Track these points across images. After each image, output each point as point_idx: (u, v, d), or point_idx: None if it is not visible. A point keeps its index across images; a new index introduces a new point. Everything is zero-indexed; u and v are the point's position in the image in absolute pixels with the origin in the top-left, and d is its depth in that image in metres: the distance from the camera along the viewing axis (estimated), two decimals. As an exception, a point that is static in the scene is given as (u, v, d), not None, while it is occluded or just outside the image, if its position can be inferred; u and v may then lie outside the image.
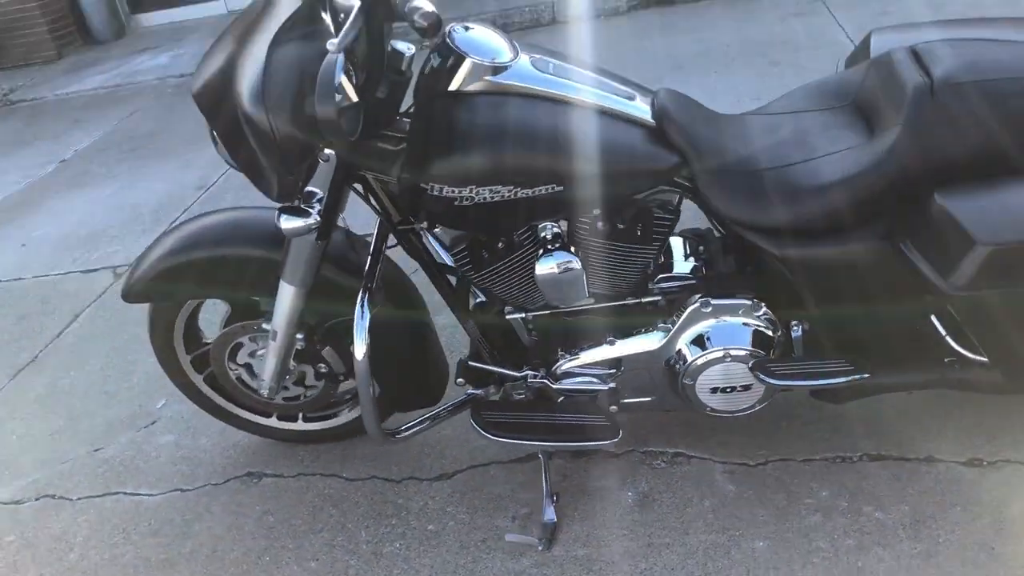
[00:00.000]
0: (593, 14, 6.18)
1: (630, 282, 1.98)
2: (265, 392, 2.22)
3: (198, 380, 2.39)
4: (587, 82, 1.84)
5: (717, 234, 2.01)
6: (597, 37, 5.79)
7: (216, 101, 1.69)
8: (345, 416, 2.43)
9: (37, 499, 2.48)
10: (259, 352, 2.25)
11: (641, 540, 2.00)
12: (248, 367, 2.30)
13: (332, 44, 1.46)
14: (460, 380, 2.12)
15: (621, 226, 1.89)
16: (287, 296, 2.02)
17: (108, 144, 5.72)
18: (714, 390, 1.96)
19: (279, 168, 1.63)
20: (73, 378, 3.05)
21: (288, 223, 1.81)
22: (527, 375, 2.07)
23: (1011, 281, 1.59)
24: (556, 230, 1.92)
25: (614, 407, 2.04)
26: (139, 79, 7.15)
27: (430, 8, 1.53)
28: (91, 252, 4.06)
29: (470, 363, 2.09)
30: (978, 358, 1.86)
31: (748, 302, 1.92)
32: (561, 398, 2.10)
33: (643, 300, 2.02)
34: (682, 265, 2.06)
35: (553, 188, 1.76)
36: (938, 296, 1.72)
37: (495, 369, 2.08)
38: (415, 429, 2.15)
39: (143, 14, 8.86)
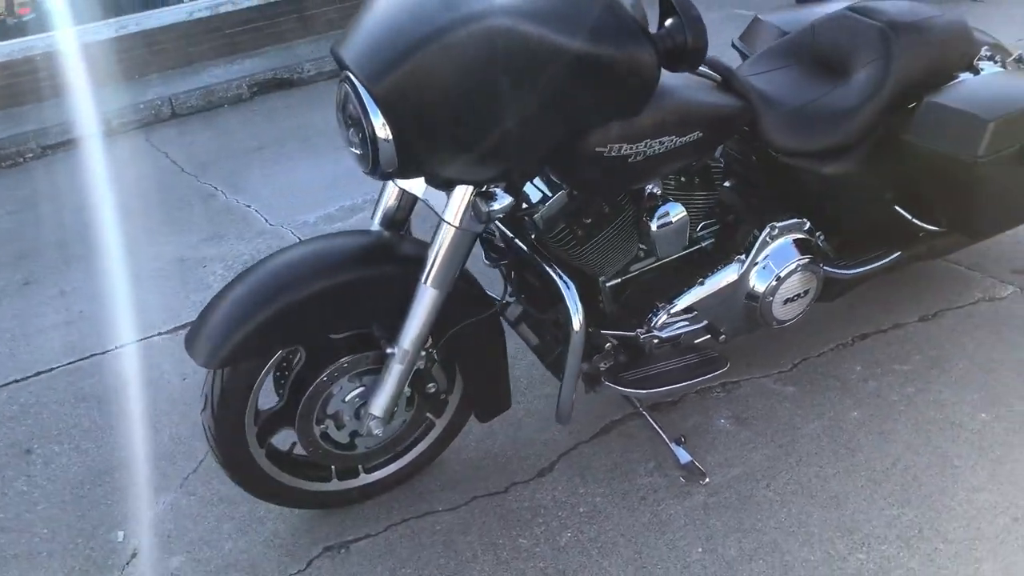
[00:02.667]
0: (218, 103, 6.02)
1: (695, 229, 2.26)
2: (379, 431, 2.02)
3: (260, 455, 2.05)
4: None
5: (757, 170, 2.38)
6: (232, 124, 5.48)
7: (419, 86, 1.61)
8: (411, 455, 2.26)
9: None
10: (351, 395, 2.04)
11: (771, 447, 2.26)
12: (335, 417, 2.06)
13: None
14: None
15: (695, 178, 2.17)
16: (428, 303, 1.90)
17: None
18: (786, 301, 2.31)
19: (609, 110, 1.64)
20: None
21: (496, 206, 1.77)
22: (638, 334, 2.21)
23: (1010, 143, 2.22)
24: (656, 189, 2.12)
25: (723, 337, 2.28)
26: None
27: None
28: None
29: (602, 331, 2.15)
30: (937, 228, 2.49)
31: (799, 220, 2.31)
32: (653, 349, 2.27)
33: (701, 245, 2.30)
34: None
35: (697, 135, 1.98)
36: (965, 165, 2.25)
37: (618, 333, 2.18)
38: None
39: None
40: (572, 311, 1.91)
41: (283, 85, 6.15)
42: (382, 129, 1.65)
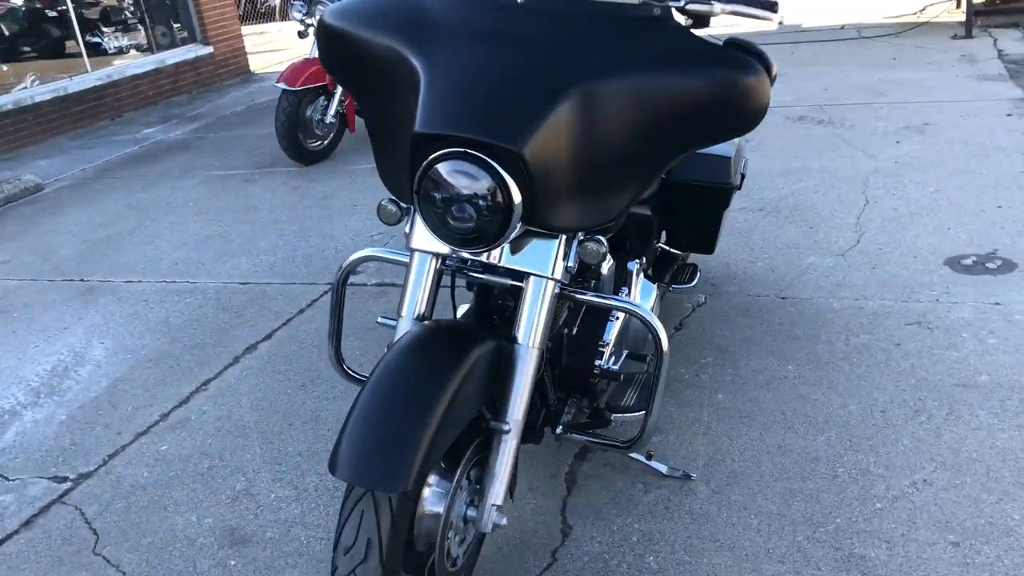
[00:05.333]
0: None
1: None
2: (503, 521, 1.90)
3: (400, 586, 1.75)
4: None
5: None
6: None
7: (560, 138, 1.71)
8: (465, 555, 2.09)
9: None
10: (461, 497, 1.88)
11: (700, 435, 2.63)
12: (454, 526, 1.86)
13: None
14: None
15: None
16: (534, 365, 1.90)
17: None
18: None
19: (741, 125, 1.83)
20: None
21: (604, 248, 1.88)
22: (600, 369, 2.40)
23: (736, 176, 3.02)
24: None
25: (649, 359, 2.59)
26: None
27: None
28: None
29: (592, 374, 2.28)
30: (680, 252, 3.18)
31: (640, 257, 2.77)
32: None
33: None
34: None
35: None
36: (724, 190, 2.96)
37: (587, 374, 2.33)
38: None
39: None
40: (660, 331, 2.06)
41: None
42: (515, 192, 1.69)
